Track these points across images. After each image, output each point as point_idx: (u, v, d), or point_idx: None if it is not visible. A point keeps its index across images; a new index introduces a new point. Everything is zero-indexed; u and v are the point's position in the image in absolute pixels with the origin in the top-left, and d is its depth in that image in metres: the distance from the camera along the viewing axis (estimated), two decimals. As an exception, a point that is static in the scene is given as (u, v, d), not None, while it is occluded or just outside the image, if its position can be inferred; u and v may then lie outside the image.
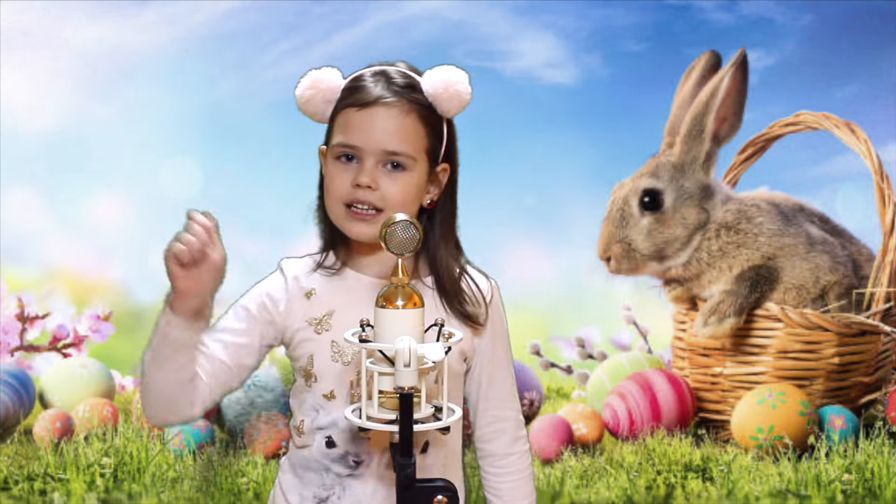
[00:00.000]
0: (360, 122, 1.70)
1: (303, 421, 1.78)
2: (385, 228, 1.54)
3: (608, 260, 3.40)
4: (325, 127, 1.78)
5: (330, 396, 1.76)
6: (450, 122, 1.78)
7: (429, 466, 1.78)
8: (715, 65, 3.46)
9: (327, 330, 1.75)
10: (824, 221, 3.52)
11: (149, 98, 4.29)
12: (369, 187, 1.70)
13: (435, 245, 1.78)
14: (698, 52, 3.51)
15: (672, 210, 3.36)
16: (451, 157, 1.79)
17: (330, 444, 1.76)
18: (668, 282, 3.46)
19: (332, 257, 1.79)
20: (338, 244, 1.78)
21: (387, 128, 1.70)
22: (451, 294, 1.77)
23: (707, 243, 3.37)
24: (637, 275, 3.45)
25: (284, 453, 3.13)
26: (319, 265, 1.78)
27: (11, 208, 4.16)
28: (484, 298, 1.80)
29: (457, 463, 1.86)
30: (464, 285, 1.79)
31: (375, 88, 1.71)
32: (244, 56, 4.33)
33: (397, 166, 1.71)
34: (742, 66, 3.36)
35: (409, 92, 1.72)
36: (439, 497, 1.55)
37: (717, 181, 3.46)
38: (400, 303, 1.54)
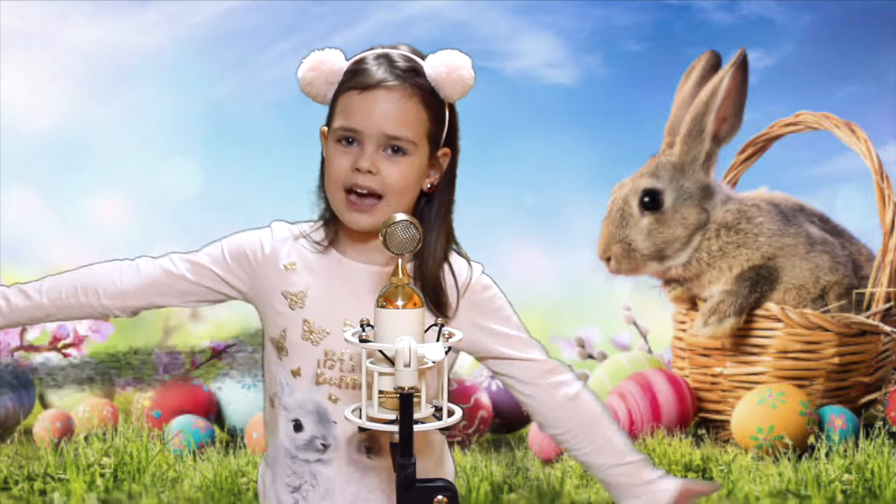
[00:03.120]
0: (362, 105, 1.70)
1: (275, 393, 1.78)
2: (385, 228, 1.54)
3: (608, 260, 3.40)
4: (324, 110, 1.78)
5: (296, 373, 1.75)
6: (451, 107, 1.77)
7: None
8: (715, 65, 3.46)
9: (301, 307, 1.74)
10: (824, 221, 3.52)
11: (149, 98, 4.29)
12: (370, 172, 1.69)
13: (427, 230, 1.76)
14: (698, 52, 3.51)
15: (672, 210, 3.36)
16: (453, 142, 1.78)
17: (298, 427, 1.76)
18: (668, 282, 3.46)
19: (321, 233, 1.78)
20: (331, 222, 1.78)
21: (388, 111, 1.69)
22: (426, 281, 1.75)
23: (707, 243, 3.37)
24: (637, 275, 3.45)
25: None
26: (306, 235, 1.78)
27: (11, 208, 4.16)
28: (458, 290, 1.78)
29: (435, 444, 1.82)
30: (441, 276, 1.77)
31: (378, 72, 1.70)
32: (244, 56, 4.33)
33: (398, 150, 1.70)
34: (742, 66, 3.36)
35: (412, 76, 1.71)
36: (439, 497, 1.55)
37: (717, 181, 3.46)
38: (400, 303, 1.54)
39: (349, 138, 1.71)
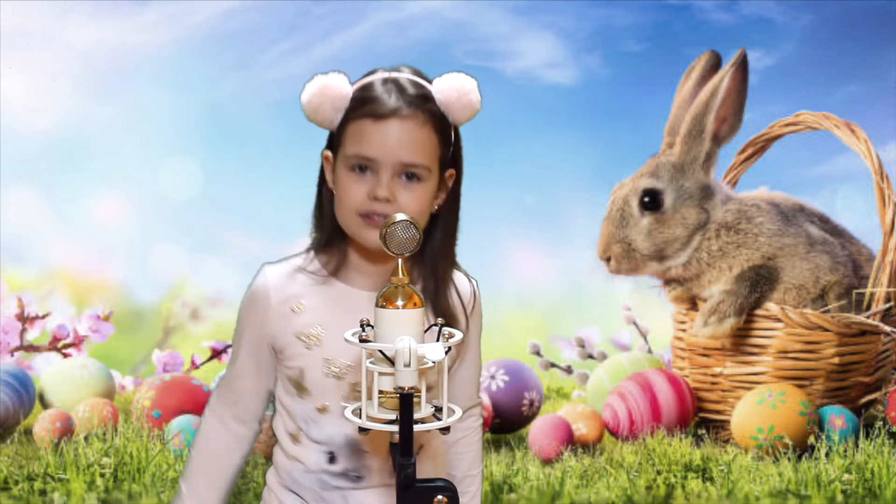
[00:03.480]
0: (376, 134, 1.70)
1: (300, 429, 1.78)
2: (385, 228, 1.54)
3: (608, 260, 3.40)
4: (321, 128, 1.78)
5: (323, 410, 1.75)
6: (456, 129, 1.78)
7: (429, 462, 1.79)
8: (715, 65, 3.46)
9: (318, 346, 1.74)
10: (824, 221, 3.52)
11: (149, 98, 4.30)
12: (387, 200, 1.70)
13: (434, 251, 1.78)
14: (698, 52, 3.51)
15: (672, 210, 3.36)
16: (457, 163, 1.79)
17: (332, 459, 1.76)
18: (668, 282, 3.46)
19: (316, 262, 1.78)
20: (331, 250, 1.77)
21: (404, 140, 1.70)
22: (440, 304, 1.77)
23: (707, 243, 3.37)
24: (637, 275, 3.45)
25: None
26: (302, 269, 1.77)
27: (11, 208, 4.16)
28: (465, 308, 1.81)
29: (443, 457, 1.86)
30: (449, 296, 1.80)
31: (390, 100, 1.70)
32: (244, 56, 4.34)
33: (412, 177, 1.72)
34: (742, 66, 3.36)
35: (423, 102, 1.72)
36: (439, 497, 1.55)
37: (717, 181, 3.45)
38: (400, 303, 1.54)
39: (363, 166, 1.71)
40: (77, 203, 4.26)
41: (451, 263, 1.81)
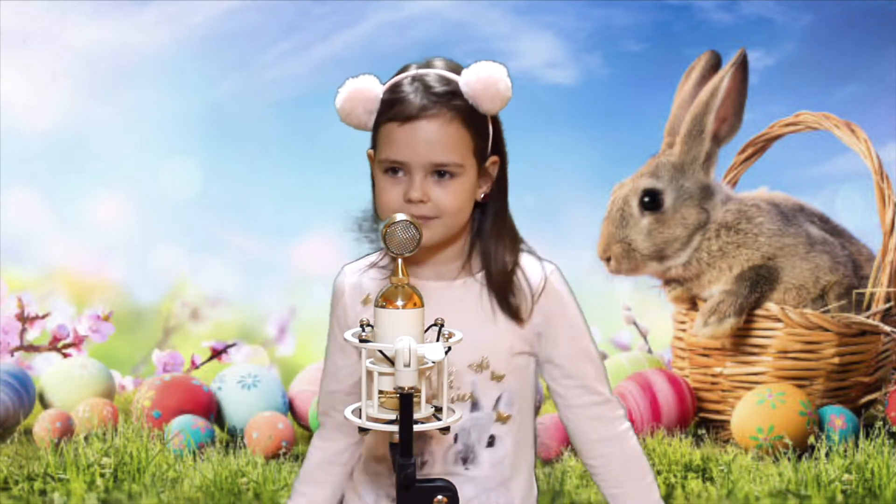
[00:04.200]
0: (404, 136, 1.70)
1: None
2: (385, 228, 1.55)
3: (608, 260, 3.40)
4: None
5: None
6: (494, 116, 1.78)
7: (499, 460, 1.78)
8: (715, 65, 3.46)
9: None
10: (824, 221, 3.52)
11: (149, 98, 4.29)
12: (421, 201, 1.70)
13: (487, 239, 1.78)
14: (698, 52, 3.51)
15: (672, 210, 3.36)
16: (499, 149, 1.80)
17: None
18: (668, 282, 3.46)
19: (387, 258, 1.79)
20: None
21: (431, 140, 1.70)
22: (497, 291, 1.76)
23: (707, 243, 3.37)
24: (637, 275, 3.45)
25: (285, 453, 3.14)
26: (374, 265, 1.80)
27: (11, 208, 4.16)
28: (532, 293, 1.77)
29: (527, 459, 1.84)
30: (515, 282, 1.77)
31: (416, 100, 1.70)
32: (244, 56, 4.33)
33: (444, 174, 1.71)
34: (742, 66, 3.36)
35: (450, 99, 1.71)
36: (439, 497, 1.55)
37: (717, 181, 3.46)
38: (400, 303, 1.54)
39: (395, 168, 1.72)
40: (77, 203, 4.26)
41: (509, 249, 1.79)
